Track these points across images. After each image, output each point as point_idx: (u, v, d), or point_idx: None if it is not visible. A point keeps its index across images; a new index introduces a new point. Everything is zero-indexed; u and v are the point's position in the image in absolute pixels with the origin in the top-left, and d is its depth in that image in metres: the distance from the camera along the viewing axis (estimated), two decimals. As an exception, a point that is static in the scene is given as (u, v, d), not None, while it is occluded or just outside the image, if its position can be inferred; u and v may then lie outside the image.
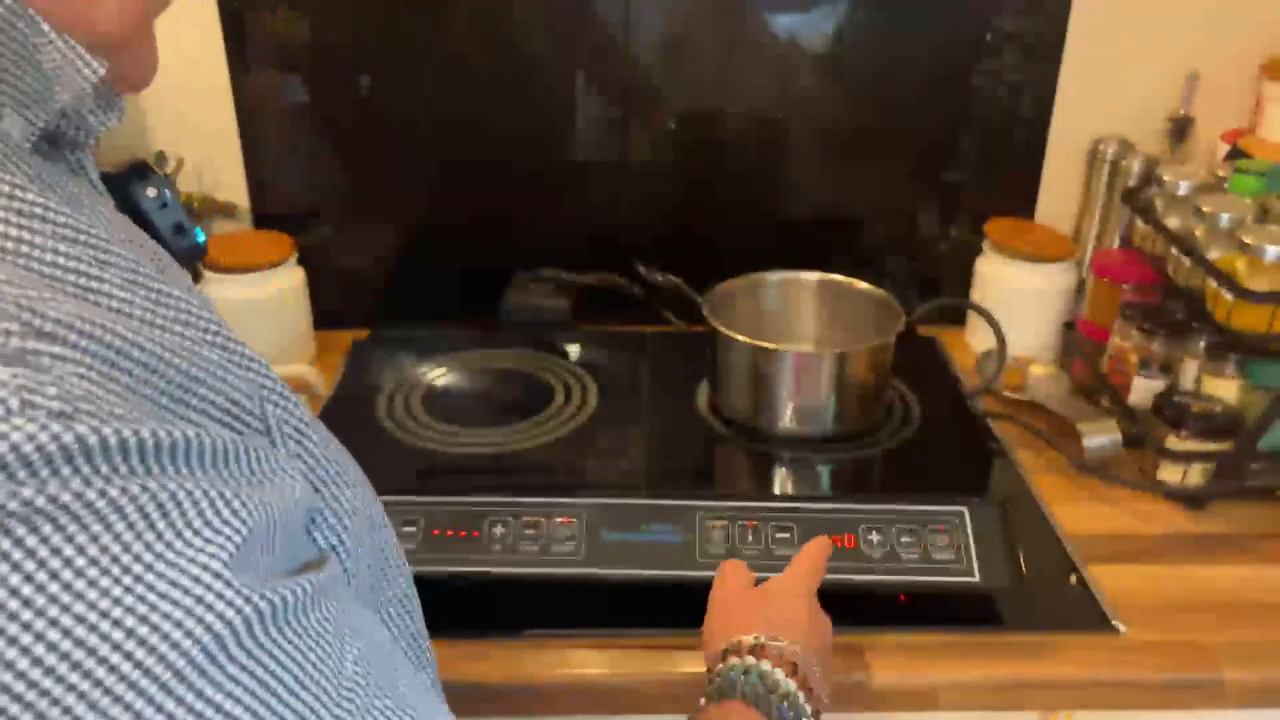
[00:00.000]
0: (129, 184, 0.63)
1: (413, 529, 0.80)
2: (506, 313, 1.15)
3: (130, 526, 0.29)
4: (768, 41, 1.15)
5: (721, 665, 0.60)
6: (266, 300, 1.10)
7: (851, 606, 0.79)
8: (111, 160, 1.12)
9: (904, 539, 0.80)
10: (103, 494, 0.28)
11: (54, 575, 0.27)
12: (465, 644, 0.76)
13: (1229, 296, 0.88)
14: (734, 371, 0.96)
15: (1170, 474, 0.93)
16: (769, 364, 0.93)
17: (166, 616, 0.29)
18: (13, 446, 0.27)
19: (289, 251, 1.12)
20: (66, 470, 0.28)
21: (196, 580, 0.30)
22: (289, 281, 1.12)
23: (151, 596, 0.29)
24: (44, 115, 0.37)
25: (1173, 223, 0.99)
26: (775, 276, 1.05)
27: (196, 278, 1.13)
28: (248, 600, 0.31)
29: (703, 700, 0.58)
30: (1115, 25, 1.14)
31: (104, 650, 0.27)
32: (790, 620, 0.63)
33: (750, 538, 0.80)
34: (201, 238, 0.67)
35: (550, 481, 0.88)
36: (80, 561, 0.28)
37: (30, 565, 0.27)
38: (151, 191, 0.63)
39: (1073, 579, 0.83)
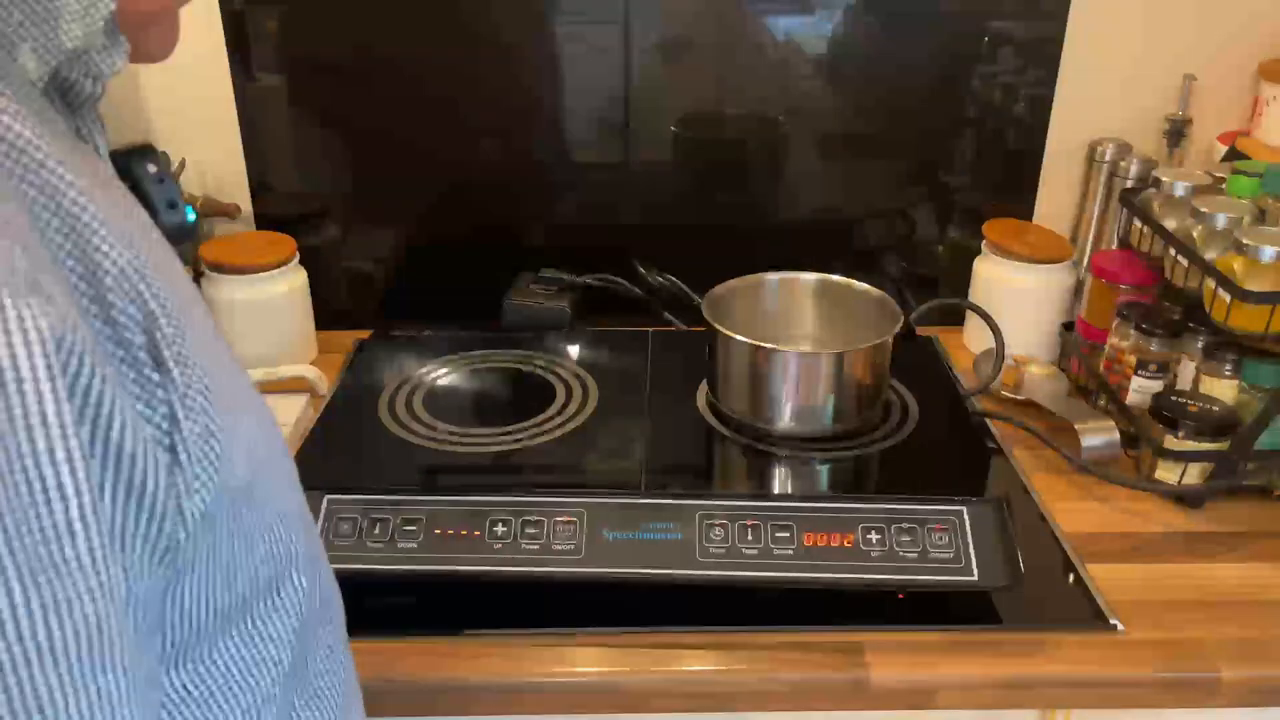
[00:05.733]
0: (130, 159, 0.65)
1: (414, 528, 0.81)
2: (507, 313, 1.15)
3: None
4: (767, 43, 1.16)
5: None
6: (269, 301, 1.11)
7: (850, 605, 0.80)
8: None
9: (902, 538, 0.80)
10: None
11: None
12: (466, 643, 0.76)
13: (1226, 297, 0.89)
14: (733, 371, 0.96)
15: (1167, 473, 0.93)
16: (768, 364, 0.93)
17: None
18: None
19: (291, 252, 1.12)
20: None
21: None
22: (291, 282, 1.13)
23: None
24: (56, 55, 0.36)
25: (1170, 224, 0.99)
26: (774, 277, 1.06)
27: (198, 277, 1.13)
28: None
29: None
30: (1113, 27, 1.15)
31: None
32: None
33: (750, 536, 0.80)
34: (192, 217, 0.70)
35: (551, 481, 0.89)
36: None
37: None
38: (151, 167, 0.66)
39: (1070, 578, 0.84)
